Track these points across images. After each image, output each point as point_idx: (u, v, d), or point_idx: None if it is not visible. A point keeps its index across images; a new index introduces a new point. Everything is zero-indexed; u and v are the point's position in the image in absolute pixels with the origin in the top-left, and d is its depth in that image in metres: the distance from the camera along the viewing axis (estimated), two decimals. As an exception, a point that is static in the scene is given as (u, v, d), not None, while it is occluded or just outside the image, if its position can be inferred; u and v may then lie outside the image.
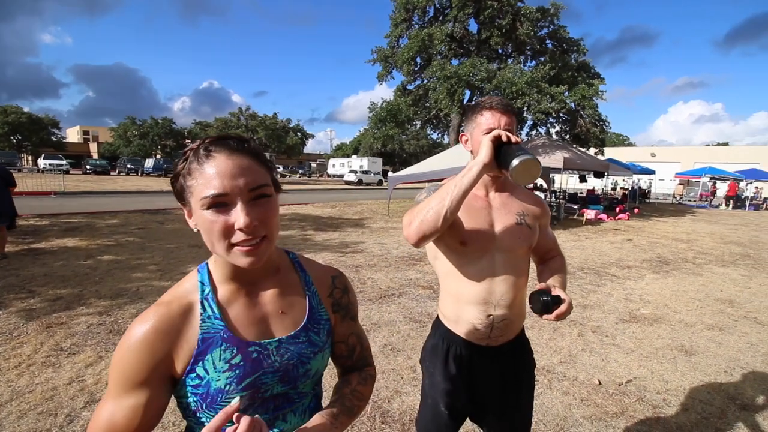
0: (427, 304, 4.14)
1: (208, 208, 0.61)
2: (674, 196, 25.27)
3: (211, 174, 0.60)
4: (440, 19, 17.22)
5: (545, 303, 1.08)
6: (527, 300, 1.17)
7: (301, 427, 0.68)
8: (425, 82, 17.42)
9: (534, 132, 18.67)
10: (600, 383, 2.72)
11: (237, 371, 0.66)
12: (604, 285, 5.15)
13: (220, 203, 0.61)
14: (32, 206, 10.10)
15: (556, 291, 1.10)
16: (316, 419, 0.71)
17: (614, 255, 7.14)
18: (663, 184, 28.54)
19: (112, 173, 30.93)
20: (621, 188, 23.89)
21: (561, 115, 16.09)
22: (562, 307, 1.07)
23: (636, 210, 15.31)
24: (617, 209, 14.12)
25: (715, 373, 2.91)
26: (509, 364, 1.27)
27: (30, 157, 41.31)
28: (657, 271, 6.06)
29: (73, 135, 66.52)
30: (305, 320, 0.76)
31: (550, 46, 17.59)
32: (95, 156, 45.79)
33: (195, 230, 0.66)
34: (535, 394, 2.51)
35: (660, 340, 3.46)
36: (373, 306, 4.05)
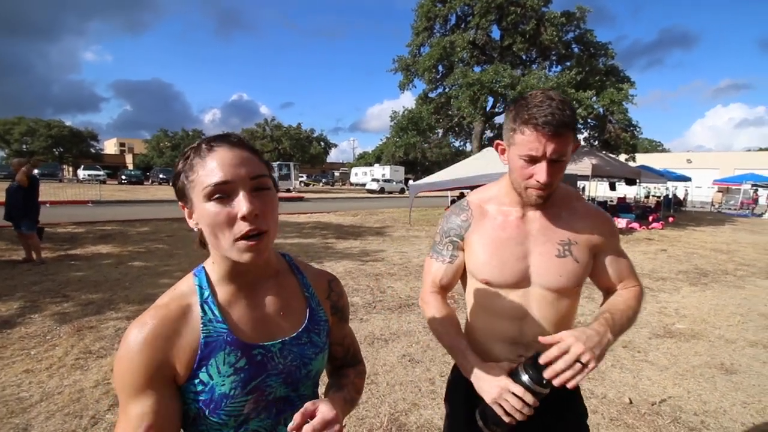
0: (448, 315, 4.04)
1: (210, 199, 0.61)
2: (712, 205, 23.98)
3: (213, 165, 0.61)
4: (462, 26, 17.23)
5: (482, 416, 0.88)
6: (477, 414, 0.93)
7: (325, 399, 0.68)
8: (447, 89, 17.41)
9: (560, 138, 18.20)
10: (631, 402, 2.56)
11: (242, 375, 0.65)
12: (635, 297, 4.90)
13: (222, 193, 0.61)
14: (71, 215, 10.67)
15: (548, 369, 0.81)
16: (332, 398, 0.73)
17: (647, 266, 6.81)
18: (700, 192, 27.11)
19: (145, 183, 32.37)
20: (654, 196, 22.90)
21: (589, 120, 15.67)
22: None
23: (671, 219, 14.60)
24: (650, 218, 13.52)
25: (759, 395, 2.68)
26: (550, 411, 0.98)
27: (71, 168, 43.81)
28: (694, 283, 5.73)
29: (110, 147, 70.21)
30: (306, 321, 0.75)
31: (576, 50, 17.24)
32: (130, 167, 48.08)
33: (195, 229, 0.66)
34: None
35: (697, 358, 3.24)
36: (392, 315, 4.00)
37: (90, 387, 2.52)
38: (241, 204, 0.60)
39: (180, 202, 0.67)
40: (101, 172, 29.75)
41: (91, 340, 3.21)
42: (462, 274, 1.11)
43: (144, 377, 0.60)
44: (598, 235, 1.01)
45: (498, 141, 1.02)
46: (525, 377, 0.83)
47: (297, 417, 0.60)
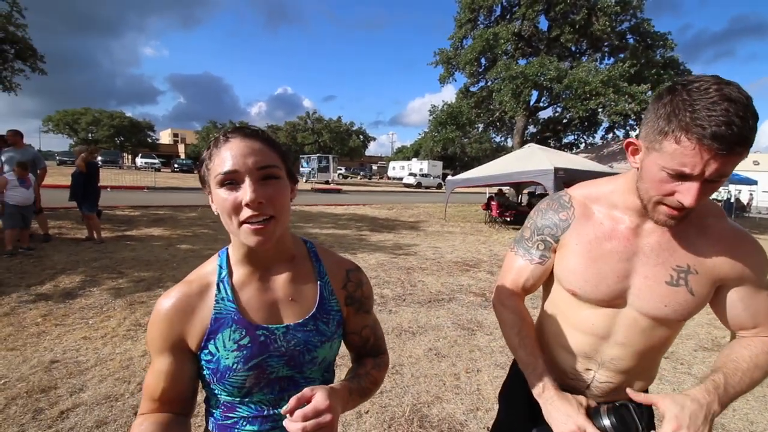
0: (478, 312, 4.00)
1: (221, 186, 0.66)
2: (783, 211, 21.75)
3: (225, 155, 0.66)
4: (507, 17, 16.65)
5: None
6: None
7: (326, 386, 0.67)
8: (489, 83, 16.94)
9: (610, 135, 17.28)
10: (669, 415, 2.42)
11: (244, 352, 0.70)
12: (683, 306, 4.58)
13: (231, 180, 0.66)
14: (128, 199, 11.55)
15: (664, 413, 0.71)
16: (335, 386, 0.72)
17: (699, 273, 6.32)
18: (767, 197, 24.68)
19: (195, 171, 34.23)
20: (714, 200, 21.10)
21: (642, 116, 14.70)
22: None
23: (731, 224, 13.38)
24: (707, 222, 12.47)
25: (822, 420, 2.44)
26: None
27: (130, 156, 47.23)
28: (753, 294, 5.25)
29: (165, 137, 74.63)
30: (315, 309, 0.77)
31: (631, 41, 16.16)
32: (182, 156, 51.00)
33: (216, 213, 0.71)
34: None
35: (750, 375, 2.99)
36: (421, 309, 4.01)
37: (138, 356, 2.76)
38: (246, 192, 0.64)
39: (204, 188, 0.73)
40: (156, 161, 31.83)
41: (141, 314, 3.49)
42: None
43: (161, 342, 0.70)
44: (731, 265, 0.79)
45: (631, 140, 0.78)
46: (607, 422, 0.74)
47: (292, 401, 0.63)
